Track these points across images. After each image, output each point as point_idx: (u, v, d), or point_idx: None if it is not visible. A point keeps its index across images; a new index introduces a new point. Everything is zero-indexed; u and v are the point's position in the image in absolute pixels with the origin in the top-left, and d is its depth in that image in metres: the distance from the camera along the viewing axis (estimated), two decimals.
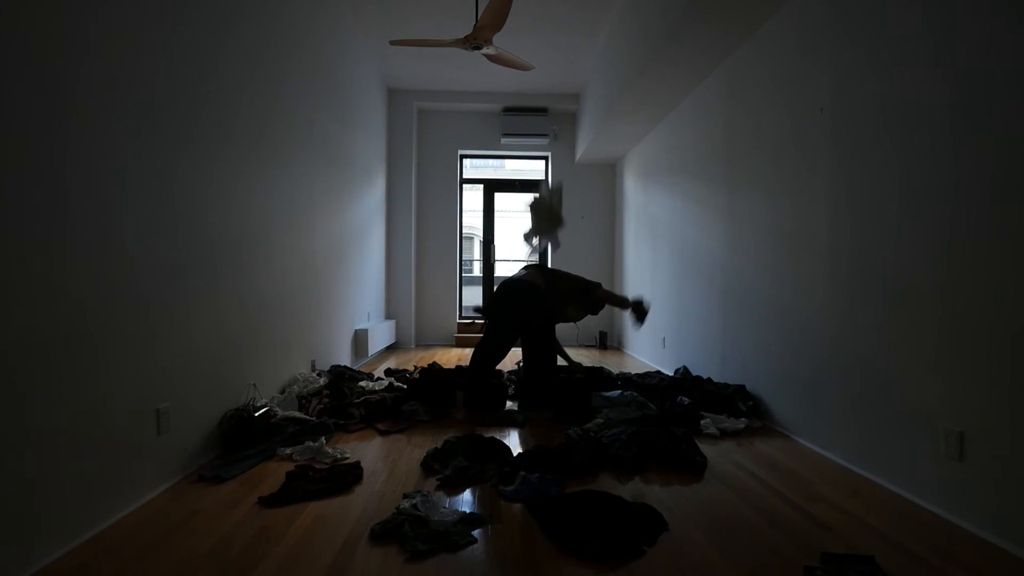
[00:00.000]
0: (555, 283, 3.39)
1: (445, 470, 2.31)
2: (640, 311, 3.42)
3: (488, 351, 3.28)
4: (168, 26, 2.10)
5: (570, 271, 3.72)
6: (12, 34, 1.45)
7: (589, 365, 4.00)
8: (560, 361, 3.68)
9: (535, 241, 3.71)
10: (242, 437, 2.51)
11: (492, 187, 7.36)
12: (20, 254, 1.49)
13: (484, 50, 3.49)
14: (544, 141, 6.80)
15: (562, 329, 3.93)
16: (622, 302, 3.63)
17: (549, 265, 6.97)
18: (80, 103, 1.68)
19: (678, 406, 3.17)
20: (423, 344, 6.84)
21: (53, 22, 1.58)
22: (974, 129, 1.82)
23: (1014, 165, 1.69)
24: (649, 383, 3.65)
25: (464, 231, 7.28)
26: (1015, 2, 1.69)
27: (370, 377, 3.99)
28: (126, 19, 1.87)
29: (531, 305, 3.19)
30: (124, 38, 1.86)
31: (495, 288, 3.41)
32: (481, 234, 7.44)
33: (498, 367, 3.34)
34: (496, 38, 3.49)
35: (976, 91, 1.81)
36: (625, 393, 3.42)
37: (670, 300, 4.87)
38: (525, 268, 3.51)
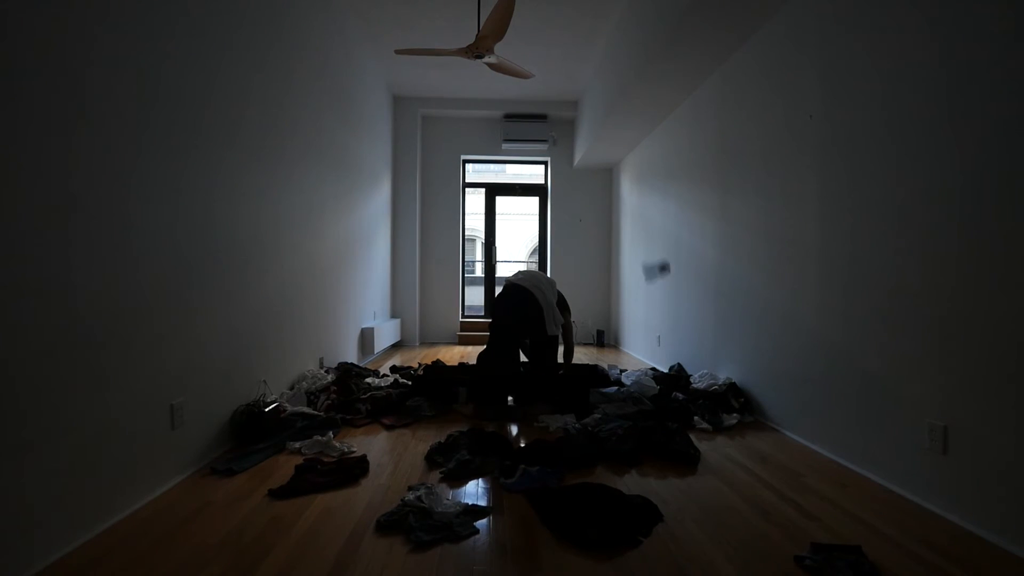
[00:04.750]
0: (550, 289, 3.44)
1: (448, 463, 2.37)
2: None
3: (493, 351, 3.35)
4: (173, 30, 2.15)
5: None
6: (19, 38, 1.49)
7: (584, 363, 4.05)
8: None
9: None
10: (253, 432, 2.58)
11: (494, 191, 7.45)
12: (38, 258, 1.54)
13: (486, 59, 3.55)
14: (544, 146, 6.91)
15: None
16: (566, 352, 3.83)
17: (548, 268, 7.05)
18: (88, 107, 1.71)
19: (673, 402, 3.24)
20: (427, 342, 6.93)
21: (60, 28, 1.62)
22: (958, 138, 1.89)
23: (1002, 169, 1.76)
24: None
25: (467, 233, 7.36)
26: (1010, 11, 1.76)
27: (376, 374, 4.08)
28: (133, 26, 1.93)
29: (530, 314, 3.26)
30: (131, 44, 1.91)
31: (499, 291, 3.47)
32: (483, 236, 7.53)
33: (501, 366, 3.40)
34: (497, 47, 3.57)
35: (964, 98, 1.88)
36: (621, 389, 3.50)
37: (665, 300, 4.94)
38: (527, 273, 3.54)
